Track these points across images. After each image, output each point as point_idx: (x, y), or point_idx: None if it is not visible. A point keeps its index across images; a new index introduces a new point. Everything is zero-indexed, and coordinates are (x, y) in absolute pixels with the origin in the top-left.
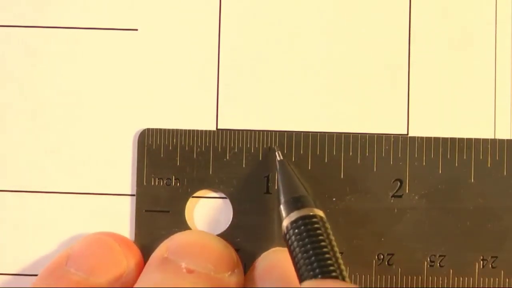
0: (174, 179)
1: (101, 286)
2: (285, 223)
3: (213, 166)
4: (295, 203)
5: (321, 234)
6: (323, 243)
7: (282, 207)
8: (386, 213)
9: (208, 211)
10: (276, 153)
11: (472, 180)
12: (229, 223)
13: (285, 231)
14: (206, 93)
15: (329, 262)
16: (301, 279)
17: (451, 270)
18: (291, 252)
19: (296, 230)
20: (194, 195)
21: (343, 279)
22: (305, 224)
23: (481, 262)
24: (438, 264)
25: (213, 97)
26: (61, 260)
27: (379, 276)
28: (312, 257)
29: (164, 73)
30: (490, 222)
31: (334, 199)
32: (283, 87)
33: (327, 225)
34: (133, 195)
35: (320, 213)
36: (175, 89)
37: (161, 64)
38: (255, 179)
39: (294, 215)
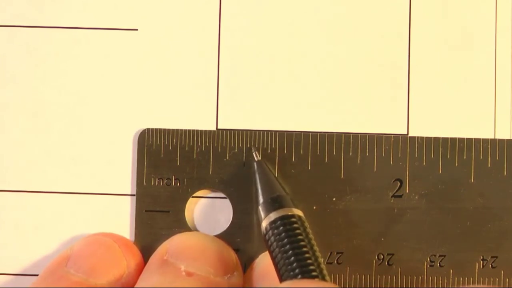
0: (174, 179)
1: (101, 286)
2: (264, 224)
3: (213, 166)
4: (273, 204)
5: (300, 234)
6: (302, 243)
7: (260, 208)
8: (386, 213)
9: (208, 211)
10: (253, 153)
11: (472, 180)
12: (229, 223)
13: (265, 232)
14: (206, 93)
15: (308, 261)
16: (282, 279)
17: (451, 270)
18: (271, 253)
19: (275, 231)
20: (194, 195)
21: (323, 278)
22: (284, 225)
23: (481, 262)
24: (438, 264)
25: (213, 97)
26: (61, 261)
27: (379, 276)
28: (292, 257)
29: (164, 73)
30: (490, 222)
31: (334, 199)
32: (283, 87)
33: (306, 224)
34: (133, 195)
35: (298, 212)
36: (175, 89)
37: (161, 64)
38: None
39: (273, 216)
